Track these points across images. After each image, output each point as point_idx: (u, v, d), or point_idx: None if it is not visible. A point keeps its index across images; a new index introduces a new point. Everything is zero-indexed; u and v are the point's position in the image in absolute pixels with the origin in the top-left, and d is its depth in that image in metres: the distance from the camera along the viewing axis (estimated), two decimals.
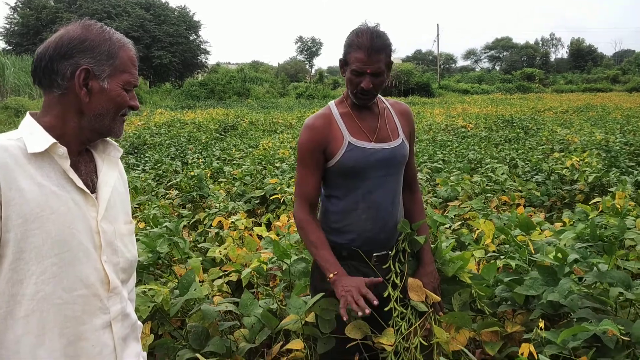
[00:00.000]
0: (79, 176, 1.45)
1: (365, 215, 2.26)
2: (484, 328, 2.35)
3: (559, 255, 2.38)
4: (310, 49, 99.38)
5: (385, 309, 2.25)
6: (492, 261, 2.63)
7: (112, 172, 1.58)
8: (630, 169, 6.91)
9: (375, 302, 2.04)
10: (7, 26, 49.89)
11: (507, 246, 3.09)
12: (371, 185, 2.25)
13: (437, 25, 66.60)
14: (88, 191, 1.46)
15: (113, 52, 1.47)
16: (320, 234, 2.25)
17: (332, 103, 2.35)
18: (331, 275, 2.16)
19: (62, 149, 1.41)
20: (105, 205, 1.50)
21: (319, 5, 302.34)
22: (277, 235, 3.85)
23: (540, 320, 1.99)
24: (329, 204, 2.33)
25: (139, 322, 1.70)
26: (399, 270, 2.32)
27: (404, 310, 2.28)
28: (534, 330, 1.99)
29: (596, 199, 4.26)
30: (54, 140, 1.39)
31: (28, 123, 1.44)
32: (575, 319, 2.23)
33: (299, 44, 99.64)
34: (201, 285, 2.85)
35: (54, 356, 1.38)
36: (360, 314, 1.99)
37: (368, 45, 2.09)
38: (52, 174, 1.39)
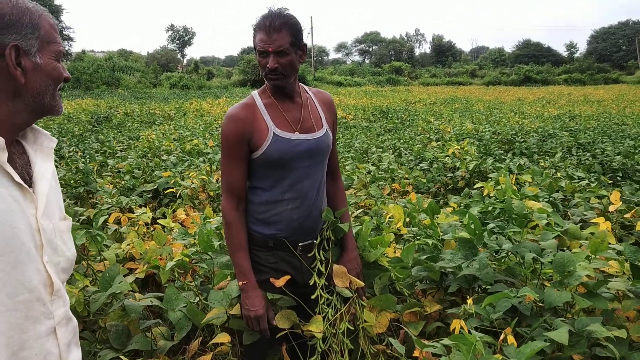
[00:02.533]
0: (14, 169, 1.30)
1: (292, 206, 2.26)
2: (406, 309, 2.46)
3: (473, 228, 2.54)
4: (182, 37, 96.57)
5: (312, 296, 2.28)
6: (409, 243, 2.74)
7: (47, 164, 1.43)
8: (502, 157, 7.51)
9: (274, 323, 2.21)
10: None
11: (416, 229, 3.24)
12: (297, 175, 2.25)
13: (311, 17, 67.55)
14: (27, 186, 1.32)
15: (35, 22, 1.31)
16: (241, 238, 2.25)
17: (255, 93, 2.31)
18: (240, 284, 2.21)
19: (0, 140, 1.25)
20: (44, 200, 1.36)
21: None
22: (183, 227, 3.73)
23: (469, 297, 2.12)
24: (254, 195, 2.30)
25: (76, 323, 1.57)
26: (323, 258, 2.36)
27: (330, 297, 2.33)
28: (462, 307, 2.12)
29: (479, 184, 4.58)
30: None
31: None
32: (487, 292, 2.40)
33: (170, 32, 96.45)
34: None
35: None
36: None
37: (268, 25, 2.10)
38: None
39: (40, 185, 1.37)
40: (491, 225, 2.54)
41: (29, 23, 1.29)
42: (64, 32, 54.09)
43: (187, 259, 2.74)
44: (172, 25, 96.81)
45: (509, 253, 2.50)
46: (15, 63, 1.27)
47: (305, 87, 2.41)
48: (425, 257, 2.61)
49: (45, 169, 1.41)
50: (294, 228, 2.27)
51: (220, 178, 2.36)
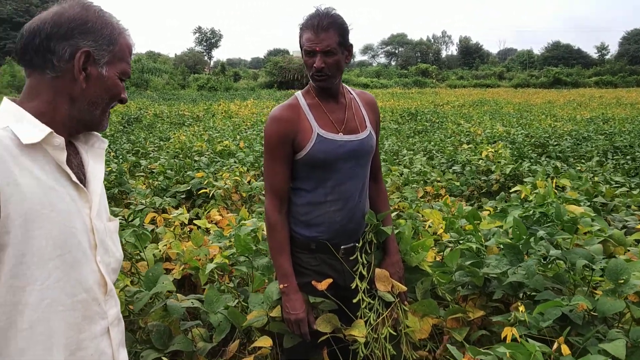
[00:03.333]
0: (71, 169, 1.31)
1: (334, 207, 2.23)
2: (449, 315, 2.40)
3: (519, 234, 2.47)
4: (210, 39, 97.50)
5: (354, 300, 2.25)
6: (455, 248, 2.69)
7: (99, 165, 1.44)
8: (537, 160, 7.37)
9: (315, 326, 2.19)
10: None
11: (456, 235, 3.18)
12: (340, 177, 2.22)
13: None
14: (82, 186, 1.33)
15: (114, 38, 1.35)
16: (284, 239, 2.24)
17: (298, 93, 2.29)
18: (281, 287, 2.20)
19: (59, 139, 1.26)
20: (98, 200, 1.37)
21: None
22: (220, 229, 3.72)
23: (520, 303, 2.06)
24: (296, 197, 2.28)
25: (123, 323, 1.57)
26: (365, 262, 2.32)
27: (372, 301, 2.29)
28: (512, 314, 2.06)
29: (517, 187, 4.49)
30: (50, 130, 1.24)
31: (11, 109, 1.26)
32: (534, 300, 2.33)
33: (197, 34, 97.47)
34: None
35: None
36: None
37: (315, 24, 2.09)
38: (47, 167, 1.24)
39: (93, 185, 1.39)
40: (540, 233, 2.47)
41: (108, 36, 1.33)
42: None
43: (227, 261, 2.72)
44: (200, 28, 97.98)
45: (558, 259, 2.43)
46: (82, 67, 1.29)
47: (349, 88, 2.38)
48: (469, 262, 2.55)
49: (97, 169, 1.43)
50: (336, 230, 2.24)
51: (263, 178, 2.35)
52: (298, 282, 2.22)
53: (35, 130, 1.23)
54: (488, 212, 4.13)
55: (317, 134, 2.17)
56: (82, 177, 1.37)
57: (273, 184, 2.22)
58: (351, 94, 2.36)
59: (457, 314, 2.43)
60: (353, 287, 2.27)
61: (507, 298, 2.61)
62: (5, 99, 1.30)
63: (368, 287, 2.29)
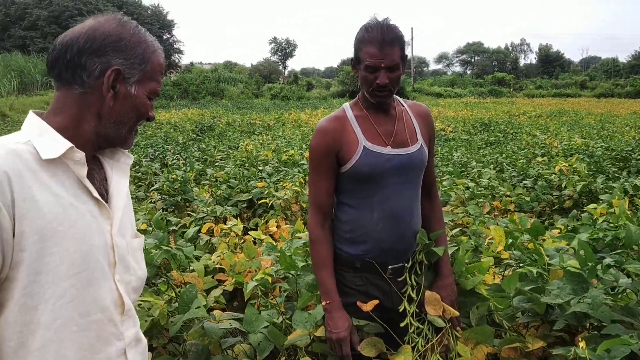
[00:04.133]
0: (92, 184, 1.28)
1: (381, 225, 2.12)
2: (506, 344, 2.22)
3: (585, 259, 2.26)
4: (285, 50, 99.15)
5: (401, 324, 2.12)
6: (513, 271, 2.50)
7: (123, 180, 1.41)
8: (616, 175, 6.92)
9: (358, 349, 2.07)
10: None
11: (517, 253, 2.98)
12: (387, 192, 2.11)
13: (412, 29, 66.98)
14: (104, 202, 1.30)
15: (146, 56, 1.32)
16: (326, 254, 2.14)
17: (346, 105, 2.20)
18: (324, 303, 2.10)
19: (80, 154, 1.24)
20: (120, 216, 1.34)
21: (294, 6, 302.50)
22: (274, 240, 3.68)
23: (581, 339, 1.87)
24: (341, 212, 2.18)
25: (146, 343, 1.53)
26: (415, 284, 2.19)
27: (421, 326, 2.15)
28: (572, 349, 1.87)
29: (592, 205, 4.20)
30: (71, 145, 1.22)
31: (35, 123, 1.25)
32: (601, 334, 2.12)
33: (272, 44, 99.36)
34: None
35: None
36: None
37: (380, 39, 1.96)
38: (67, 182, 1.22)
39: (116, 201, 1.36)
40: (607, 260, 2.25)
41: (141, 54, 1.31)
42: (174, 46, 57.04)
43: (270, 278, 2.66)
44: (275, 38, 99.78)
45: (628, 290, 2.20)
46: (111, 85, 1.27)
47: (400, 99, 2.27)
48: (529, 287, 2.36)
49: (121, 185, 1.40)
50: (383, 249, 2.13)
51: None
52: (342, 302, 2.12)
53: (56, 145, 1.21)
54: (558, 231, 3.88)
55: (364, 146, 2.07)
56: (104, 193, 1.35)
57: (316, 198, 2.14)
58: (402, 105, 2.24)
59: (514, 344, 2.25)
60: (401, 310, 2.14)
61: (572, 327, 2.40)
62: (30, 113, 1.29)
63: (417, 310, 2.16)
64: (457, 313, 2.12)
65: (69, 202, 1.20)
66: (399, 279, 2.17)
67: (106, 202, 1.32)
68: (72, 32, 1.28)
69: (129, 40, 1.29)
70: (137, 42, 1.30)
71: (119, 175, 1.41)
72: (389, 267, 2.15)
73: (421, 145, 2.18)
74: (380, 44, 1.96)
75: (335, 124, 2.11)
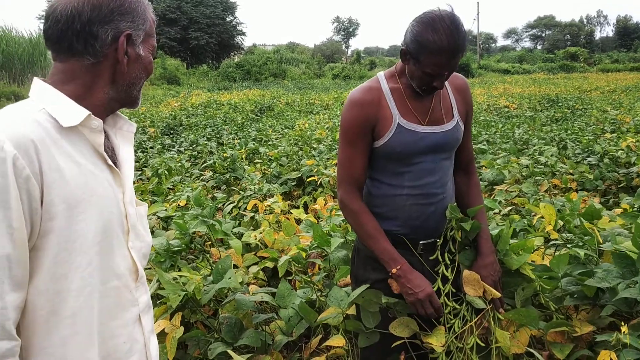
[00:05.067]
0: (106, 152, 1.28)
1: (411, 201, 2.01)
2: (552, 328, 2.08)
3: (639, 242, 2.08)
4: (347, 29, 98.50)
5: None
6: (563, 251, 2.34)
7: (128, 148, 1.40)
8: None
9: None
10: None
11: (569, 234, 2.80)
12: (420, 170, 1.99)
13: (478, 3, 64.79)
14: (117, 170, 1.29)
15: (146, 15, 1.30)
16: (376, 224, 2.01)
17: (381, 75, 2.07)
18: (394, 270, 1.95)
19: (97, 122, 1.23)
20: (130, 184, 1.34)
21: None
22: (317, 218, 3.64)
23: (623, 324, 1.72)
24: (372, 186, 2.09)
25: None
26: (449, 262, 2.07)
27: (458, 307, 2.03)
28: (615, 335, 1.72)
29: None
30: (88, 112, 1.21)
31: (46, 91, 1.22)
32: None
33: (335, 24, 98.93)
34: (236, 272, 2.66)
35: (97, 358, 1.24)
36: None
37: (449, 49, 1.77)
38: (84, 150, 1.22)
39: (125, 168, 1.35)
40: None
41: (142, 14, 1.29)
42: (237, 28, 57.61)
43: (304, 253, 2.61)
44: (338, 17, 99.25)
45: None
46: (125, 51, 1.25)
47: None
48: (577, 271, 2.20)
49: (127, 153, 1.39)
50: (414, 226, 2.02)
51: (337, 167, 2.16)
52: (371, 279, 2.05)
53: (73, 112, 1.20)
54: (622, 210, 3.63)
55: (398, 123, 1.96)
56: (115, 161, 1.33)
57: (351, 173, 2.03)
58: None
59: (561, 327, 2.11)
60: (435, 290, 2.03)
61: (624, 313, 2.23)
62: (36, 80, 1.26)
63: (453, 290, 2.04)
64: (498, 294, 1.98)
65: (89, 170, 1.20)
66: (431, 257, 2.06)
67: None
68: (76, 2, 1.22)
69: (130, 1, 1.26)
70: (136, 2, 1.27)
71: (124, 143, 1.39)
72: (420, 242, 2.05)
73: (457, 122, 2.05)
74: (449, 55, 1.79)
75: (370, 96, 1.98)
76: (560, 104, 16.21)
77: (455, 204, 2.08)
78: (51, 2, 1.26)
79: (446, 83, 2.08)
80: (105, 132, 1.36)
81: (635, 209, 3.86)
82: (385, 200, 2.05)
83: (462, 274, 2.01)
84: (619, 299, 2.01)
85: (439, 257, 2.05)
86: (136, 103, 1.36)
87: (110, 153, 1.32)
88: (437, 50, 1.78)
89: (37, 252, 1.14)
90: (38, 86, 1.24)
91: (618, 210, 3.64)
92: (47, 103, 1.19)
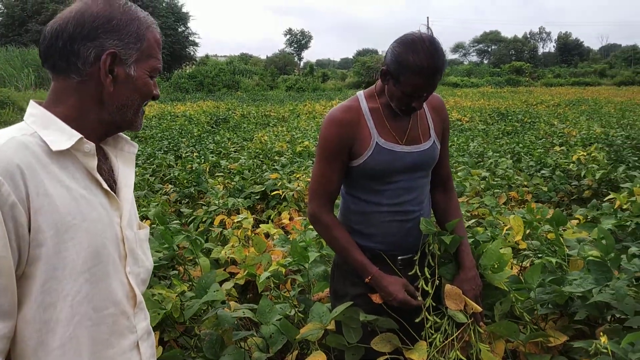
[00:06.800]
0: (101, 176, 1.24)
1: (390, 218, 2.06)
2: (531, 339, 2.14)
3: (607, 248, 2.18)
4: (300, 41, 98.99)
5: (416, 320, 2.05)
6: (531, 262, 2.42)
7: (129, 170, 1.37)
8: (636, 164, 6.75)
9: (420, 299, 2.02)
10: None
11: (536, 243, 2.90)
12: (398, 188, 2.05)
13: (427, 18, 66.32)
14: (113, 194, 1.26)
15: (141, 33, 1.24)
16: (347, 236, 2.06)
17: (360, 94, 2.11)
18: (367, 280, 2.01)
19: (90, 145, 1.19)
20: (129, 208, 1.30)
21: None
22: (286, 232, 3.64)
23: (602, 334, 1.79)
24: (351, 203, 2.12)
25: (154, 336, 1.50)
26: (429, 276, 2.11)
27: (439, 321, 2.07)
28: (594, 343, 1.80)
29: (611, 196, 4.08)
30: (80, 135, 1.17)
31: (38, 114, 1.20)
32: (623, 326, 2.04)
33: (288, 36, 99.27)
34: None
35: None
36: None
37: (429, 71, 1.82)
38: (77, 174, 1.18)
39: (124, 192, 1.32)
40: (633, 249, 2.16)
41: (135, 32, 1.23)
42: (189, 38, 57.04)
43: (283, 270, 2.61)
44: (290, 29, 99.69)
45: None
46: (108, 70, 1.20)
47: None
48: (549, 279, 2.28)
49: (128, 175, 1.35)
50: (392, 242, 2.07)
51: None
52: (351, 294, 2.08)
53: (64, 136, 1.17)
54: (577, 221, 3.78)
55: (376, 142, 2.00)
56: (113, 184, 1.30)
57: (325, 189, 2.06)
58: None
59: (538, 339, 2.18)
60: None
61: (593, 319, 2.32)
62: (32, 103, 1.24)
63: (434, 304, 2.08)
64: (479, 308, 2.02)
65: (80, 194, 1.16)
66: (410, 273, 2.10)
67: (114, 193, 1.29)
68: (60, 18, 1.21)
69: (120, 19, 1.21)
70: (129, 20, 1.23)
71: (125, 165, 1.36)
72: (399, 258, 2.09)
73: (434, 141, 2.11)
74: (429, 77, 1.84)
75: (349, 115, 2.02)
76: (510, 118, 16.72)
77: (429, 219, 2.13)
78: None
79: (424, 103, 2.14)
80: (105, 153, 1.34)
81: (588, 220, 4.04)
82: (364, 217, 2.08)
83: (443, 287, 2.06)
84: (591, 303, 2.09)
85: (418, 272, 2.08)
86: (134, 126, 1.32)
87: (108, 175, 1.29)
88: (417, 70, 1.82)
89: (25, 280, 1.10)
90: (31, 109, 1.21)
91: (573, 222, 3.78)
92: (39, 126, 1.17)
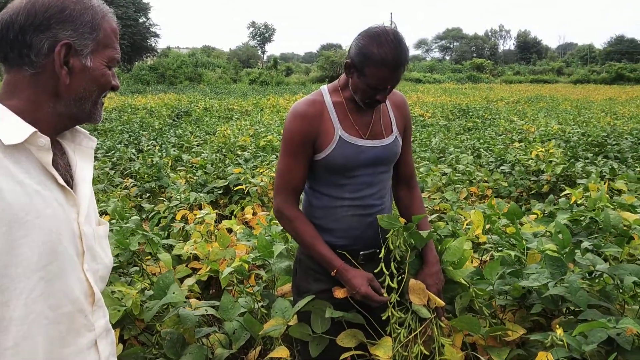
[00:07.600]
0: (57, 171, 1.20)
1: (351, 212, 2.07)
2: (492, 333, 2.19)
3: (563, 242, 2.24)
4: (263, 34, 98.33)
5: (383, 316, 2.06)
6: (491, 256, 2.47)
7: (87, 165, 1.32)
8: (593, 161, 6.97)
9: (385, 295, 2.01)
10: None
11: (495, 237, 2.96)
12: (359, 182, 2.06)
13: (391, 14, 66.70)
14: (70, 189, 1.21)
15: (96, 23, 1.20)
16: (313, 230, 2.06)
17: (324, 89, 2.11)
18: (333, 274, 2.01)
19: (44, 140, 1.14)
20: (86, 204, 1.26)
21: None
22: (249, 228, 3.62)
23: (558, 326, 1.84)
24: (313, 198, 2.12)
25: (113, 333, 1.46)
26: (395, 271, 2.13)
27: (403, 316, 2.09)
28: (550, 336, 1.85)
29: (567, 191, 4.20)
30: (34, 129, 1.13)
31: None
32: (577, 319, 2.11)
33: (251, 29, 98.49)
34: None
35: None
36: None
37: (393, 63, 1.84)
38: (31, 169, 1.14)
39: (81, 187, 1.27)
40: (585, 244, 2.23)
41: (89, 22, 1.19)
42: (150, 29, 56.08)
43: (247, 265, 2.60)
44: (254, 22, 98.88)
45: (605, 274, 2.19)
46: (63, 62, 1.16)
47: None
48: (508, 271, 2.34)
49: (86, 170, 1.31)
50: (354, 236, 2.08)
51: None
52: (315, 290, 2.08)
53: (17, 129, 1.12)
54: (535, 216, 3.88)
55: (340, 136, 2.00)
56: (70, 179, 1.26)
57: (290, 183, 2.06)
58: None
59: (497, 332, 2.22)
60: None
61: (549, 312, 2.39)
62: None
63: (398, 299, 2.10)
64: (442, 303, 2.04)
65: (34, 190, 1.12)
66: (375, 271, 2.11)
67: (71, 188, 1.24)
68: (11, 9, 1.16)
69: (73, 9, 1.17)
70: (83, 9, 1.19)
71: (83, 160, 1.32)
72: (361, 253, 2.10)
73: (396, 137, 2.13)
74: (393, 69, 1.85)
75: (313, 109, 2.02)
76: (470, 114, 17.00)
77: (390, 214, 2.15)
78: None
79: (386, 100, 2.15)
80: (63, 148, 1.30)
81: (545, 215, 4.15)
82: (326, 211, 2.09)
83: (407, 282, 2.08)
84: (546, 297, 2.15)
85: (384, 269, 2.10)
86: (93, 119, 1.28)
87: (64, 170, 1.25)
88: (380, 62, 1.84)
89: None
90: None
91: (532, 216, 3.88)
92: None
